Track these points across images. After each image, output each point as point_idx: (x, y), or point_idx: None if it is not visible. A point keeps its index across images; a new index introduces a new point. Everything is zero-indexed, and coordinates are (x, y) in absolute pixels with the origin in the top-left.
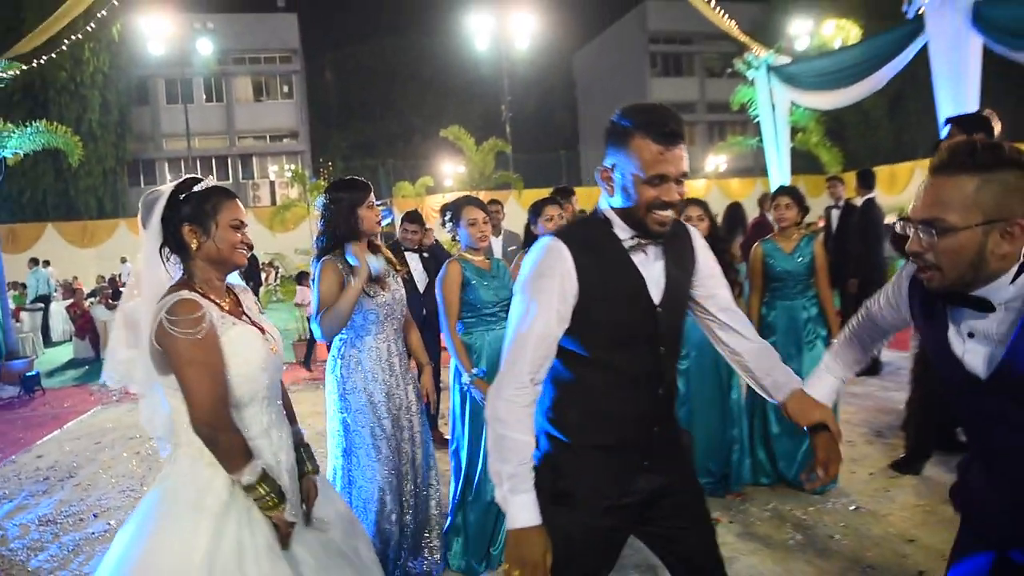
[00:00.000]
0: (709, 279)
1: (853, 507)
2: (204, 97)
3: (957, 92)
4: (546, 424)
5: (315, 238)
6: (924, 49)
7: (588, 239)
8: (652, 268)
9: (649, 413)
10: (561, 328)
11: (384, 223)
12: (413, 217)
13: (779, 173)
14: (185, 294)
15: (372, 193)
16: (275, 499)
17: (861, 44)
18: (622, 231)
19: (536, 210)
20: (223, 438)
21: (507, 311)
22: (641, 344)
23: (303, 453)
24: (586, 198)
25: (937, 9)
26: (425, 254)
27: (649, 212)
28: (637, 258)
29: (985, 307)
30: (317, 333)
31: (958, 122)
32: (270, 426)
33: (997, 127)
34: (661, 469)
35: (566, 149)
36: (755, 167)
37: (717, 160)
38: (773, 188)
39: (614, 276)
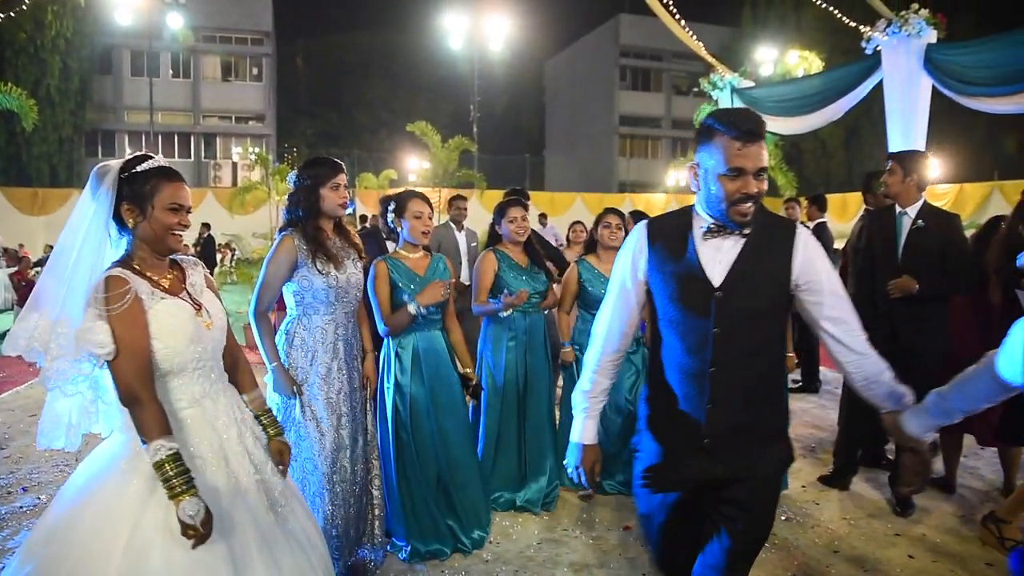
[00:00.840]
0: (814, 284)
1: (784, 517)
2: (171, 72)
3: (907, 128)
4: (644, 388)
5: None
6: (880, 85)
7: (667, 224)
8: (723, 255)
9: (699, 391)
10: (636, 294)
11: (346, 212)
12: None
13: None
14: (115, 271)
15: (340, 174)
16: (181, 485)
17: (822, 75)
18: (702, 220)
19: (501, 210)
20: (139, 410)
21: (438, 314)
22: (694, 322)
23: (264, 419)
24: (548, 202)
25: (893, 48)
26: None
27: (731, 205)
28: (709, 244)
29: None
30: (251, 308)
31: (897, 157)
32: (203, 396)
33: (929, 164)
34: (725, 457)
35: (531, 153)
36: None
37: (678, 175)
38: None
39: (675, 256)
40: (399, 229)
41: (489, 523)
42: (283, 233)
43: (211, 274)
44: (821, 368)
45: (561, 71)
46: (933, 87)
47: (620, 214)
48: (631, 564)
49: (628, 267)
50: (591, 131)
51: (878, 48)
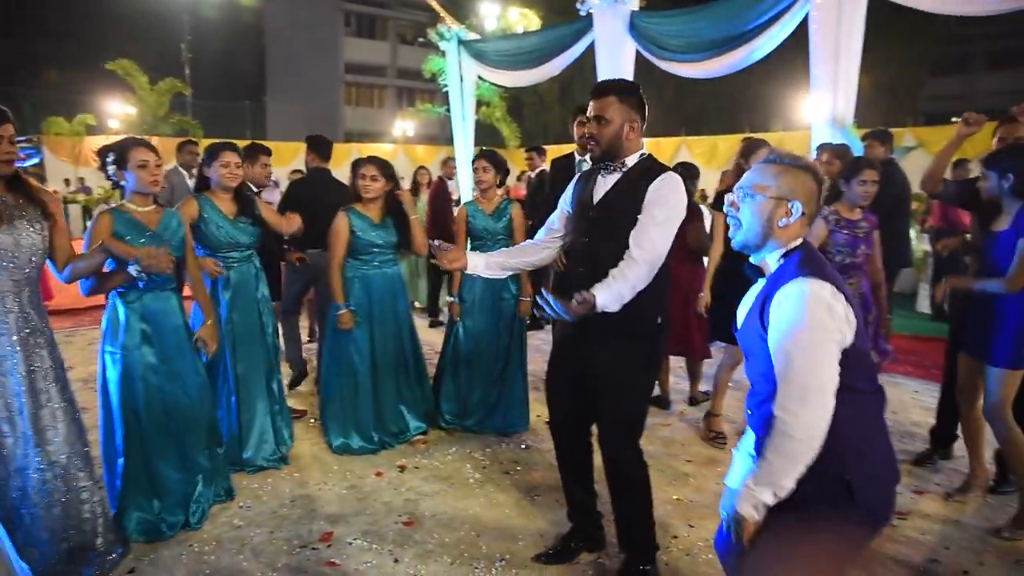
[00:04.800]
0: (639, 219)
1: (524, 446)
2: None
3: None
4: None
5: None
6: (593, 45)
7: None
8: (601, 186)
9: (572, 280)
10: (560, 214)
11: (29, 163)
12: (267, 151)
13: (463, 143)
14: None
15: None
16: None
17: (541, 32)
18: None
19: (213, 153)
20: None
21: (166, 276)
22: (578, 232)
23: None
24: (272, 152)
25: (603, 12)
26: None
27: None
28: (597, 178)
29: (759, 273)
30: None
31: (581, 109)
32: None
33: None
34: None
35: (251, 99)
36: (441, 135)
37: (404, 125)
38: (457, 156)
39: (577, 185)
40: (123, 182)
41: (219, 493)
42: None
43: None
44: None
45: (281, 13)
46: (636, 50)
47: (378, 164)
48: (387, 508)
49: (563, 195)
50: (315, 78)
51: (591, 11)
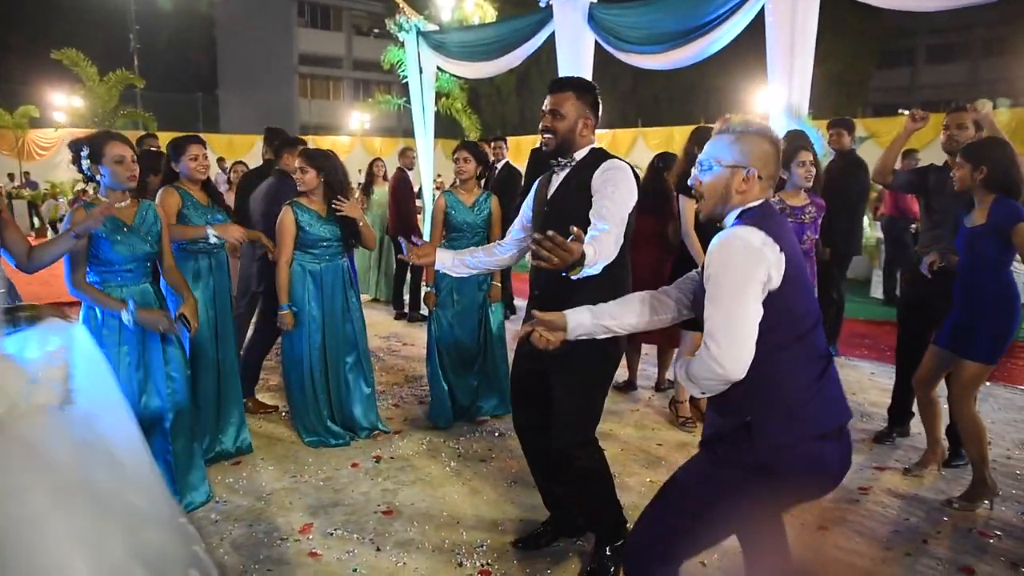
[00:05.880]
0: (593, 200)
1: (497, 434)
2: None
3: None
4: None
5: None
6: (552, 37)
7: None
8: (554, 183)
9: (532, 275)
10: (522, 215)
11: None
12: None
13: (424, 135)
14: None
15: None
16: None
17: (501, 24)
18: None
19: (179, 148)
20: None
21: (144, 268)
22: (533, 228)
23: None
24: (226, 145)
25: (563, 3)
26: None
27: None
28: (552, 177)
29: None
30: None
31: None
32: None
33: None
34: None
35: (203, 91)
36: (398, 127)
37: (362, 117)
38: (418, 148)
39: (536, 188)
40: (98, 177)
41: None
42: None
43: None
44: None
45: (233, 2)
46: (596, 41)
47: (307, 155)
48: (366, 498)
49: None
50: (269, 70)
51: (550, 2)
